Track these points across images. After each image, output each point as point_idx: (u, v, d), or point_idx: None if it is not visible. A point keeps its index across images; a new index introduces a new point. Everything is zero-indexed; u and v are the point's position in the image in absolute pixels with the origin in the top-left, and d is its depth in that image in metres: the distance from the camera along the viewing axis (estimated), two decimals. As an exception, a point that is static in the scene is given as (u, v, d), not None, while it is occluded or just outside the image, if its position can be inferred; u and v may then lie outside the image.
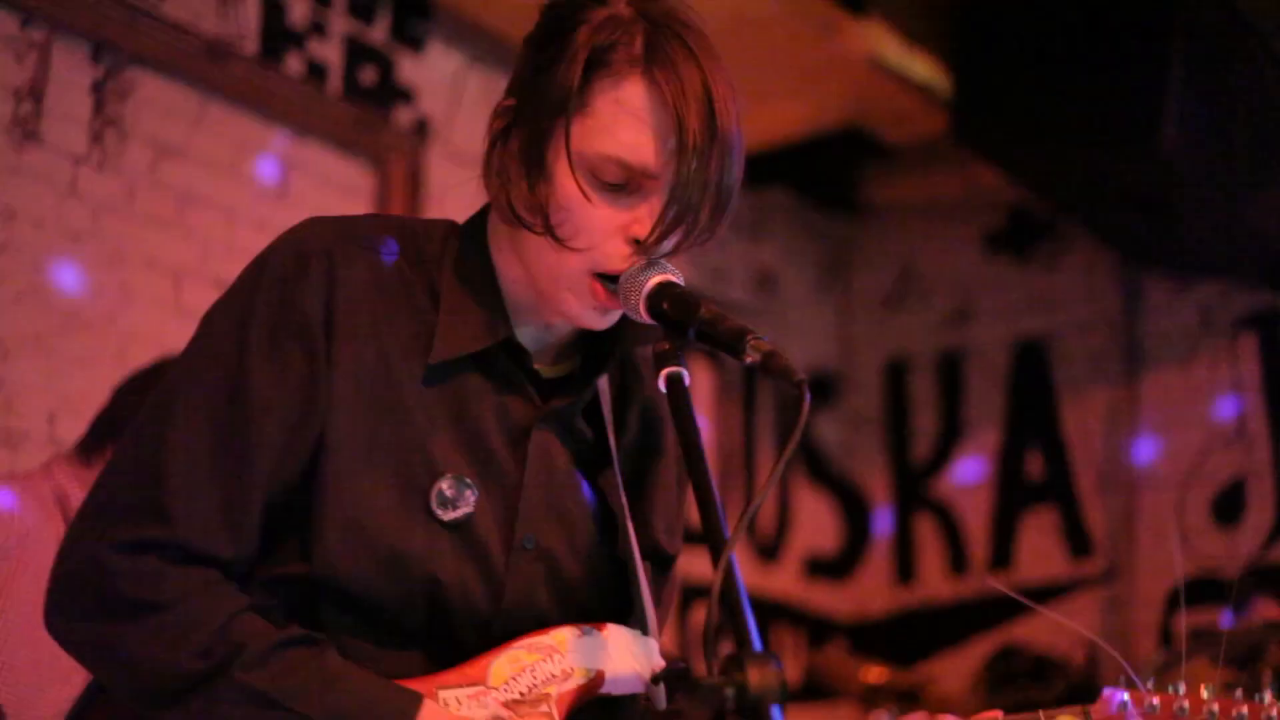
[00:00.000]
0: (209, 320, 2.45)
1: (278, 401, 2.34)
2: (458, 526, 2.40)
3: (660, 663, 2.48)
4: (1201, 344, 6.91)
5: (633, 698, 2.49)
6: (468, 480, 2.41)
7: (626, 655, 2.45)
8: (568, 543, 2.50)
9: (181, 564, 2.30)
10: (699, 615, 6.56)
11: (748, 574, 6.86)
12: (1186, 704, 2.62)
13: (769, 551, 7.22)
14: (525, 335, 2.52)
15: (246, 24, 5.15)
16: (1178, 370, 6.93)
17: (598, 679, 2.43)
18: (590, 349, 2.59)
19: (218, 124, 5.07)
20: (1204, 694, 2.64)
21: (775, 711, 1.74)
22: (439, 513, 2.38)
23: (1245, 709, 2.65)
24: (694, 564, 6.58)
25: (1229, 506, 6.64)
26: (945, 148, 6.93)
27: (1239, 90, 5.94)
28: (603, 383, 2.60)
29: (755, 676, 1.74)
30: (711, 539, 2.00)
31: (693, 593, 6.62)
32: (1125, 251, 7.00)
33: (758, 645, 1.82)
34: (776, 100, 6.56)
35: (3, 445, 4.38)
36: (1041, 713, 2.56)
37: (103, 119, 4.74)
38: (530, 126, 2.38)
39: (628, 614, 2.56)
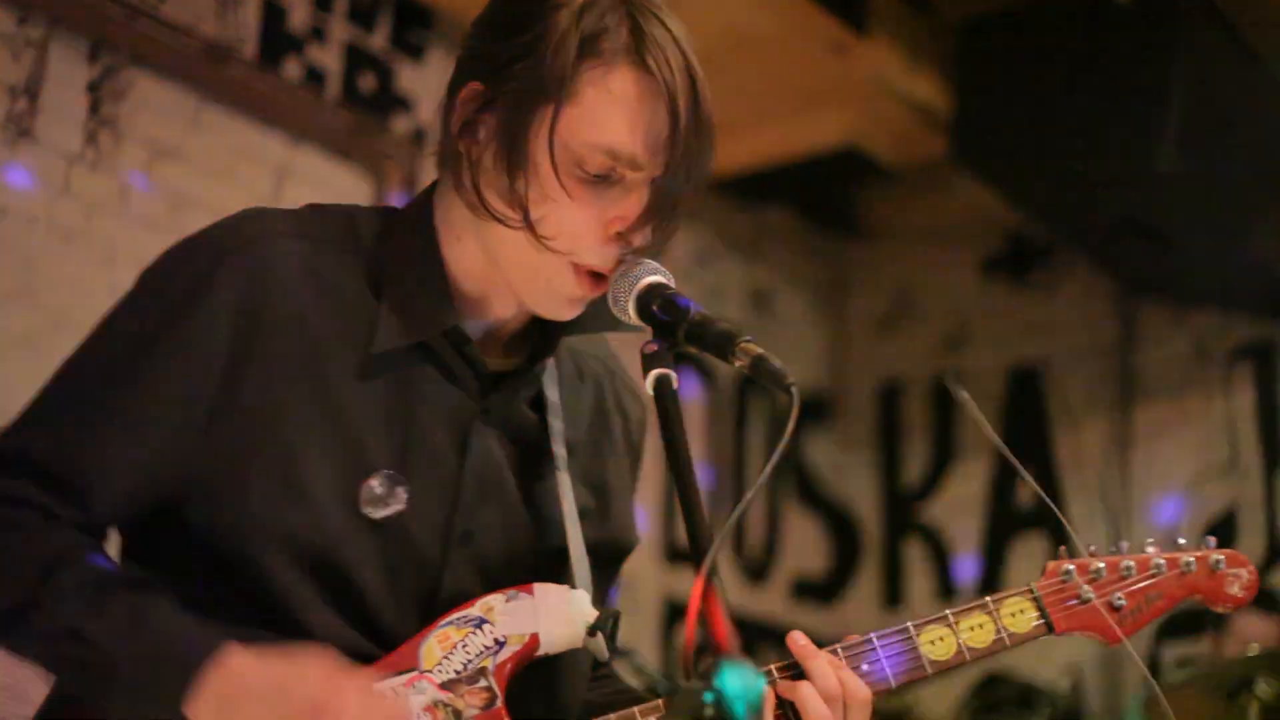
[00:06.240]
0: (128, 297, 2.41)
1: (172, 396, 2.30)
2: (388, 525, 2.35)
3: (593, 614, 2.43)
4: (1196, 374, 6.90)
5: (573, 653, 2.45)
6: (399, 477, 2.36)
7: (558, 613, 2.40)
8: (506, 537, 2.46)
9: (43, 516, 2.29)
10: (682, 629, 6.54)
11: (735, 594, 6.84)
12: (1132, 562, 2.62)
13: (757, 572, 7.19)
14: (471, 327, 2.46)
15: (246, 27, 5.13)
16: (1172, 400, 6.92)
17: (532, 643, 2.39)
18: (539, 342, 2.55)
19: (214, 127, 5.05)
20: (1148, 549, 2.65)
21: (753, 720, 1.72)
22: (367, 511, 2.34)
23: (1193, 556, 2.69)
24: (681, 580, 6.56)
25: (1221, 537, 6.60)
26: (945, 171, 6.92)
27: (1239, 116, 5.93)
28: (551, 375, 2.57)
29: (734, 684, 1.72)
30: (695, 546, 1.97)
31: (677, 611, 6.59)
32: (1122, 279, 7.00)
33: (738, 654, 1.79)
34: (777, 119, 6.55)
35: (-12, 443, 4.36)
36: (989, 598, 2.55)
37: (98, 119, 4.72)
38: (509, 115, 2.32)
39: None
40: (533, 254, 2.34)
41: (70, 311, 4.57)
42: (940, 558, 7.38)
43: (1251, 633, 4.85)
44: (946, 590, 7.30)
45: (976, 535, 7.25)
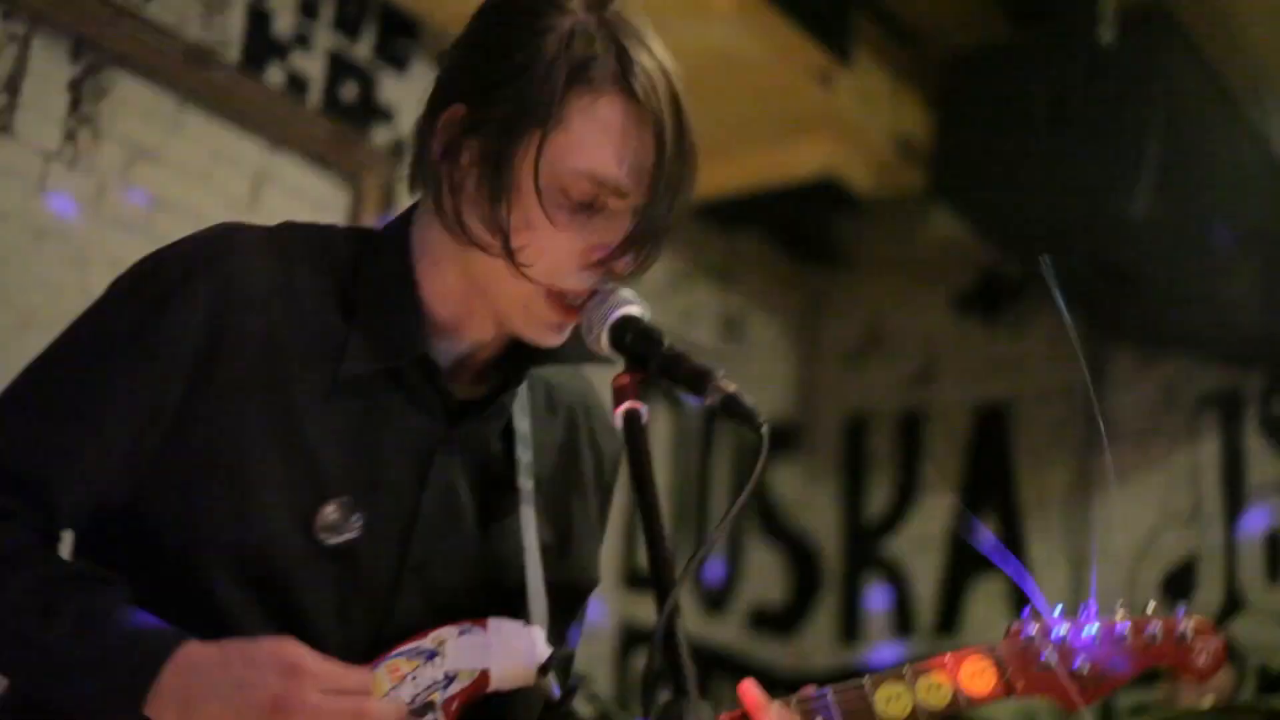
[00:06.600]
0: (95, 305, 2.40)
1: (135, 401, 2.29)
2: (341, 552, 2.32)
3: (546, 651, 2.41)
4: (1162, 421, 6.90)
5: (525, 690, 2.42)
6: (355, 504, 2.34)
7: (510, 649, 2.37)
8: (462, 570, 2.43)
9: None
10: (639, 660, 6.51)
11: (693, 623, 6.83)
12: (1097, 628, 2.60)
13: (715, 601, 7.17)
14: (443, 353, 2.45)
15: (230, 32, 5.11)
16: (1137, 445, 6.92)
17: (482, 679, 2.36)
18: (510, 371, 2.53)
19: (194, 130, 5.03)
20: (1115, 615, 2.61)
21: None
22: (321, 537, 2.31)
23: (1159, 625, 2.61)
24: (639, 605, 6.54)
25: (1179, 586, 6.63)
26: (921, 204, 6.91)
27: (1216, 162, 5.94)
28: (522, 405, 2.55)
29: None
30: (658, 582, 1.96)
31: (634, 637, 6.57)
32: (1092, 322, 7.00)
33: (695, 693, 1.78)
34: (756, 145, 6.55)
35: (-49, 438, 4.32)
36: (948, 656, 2.54)
37: (78, 117, 4.70)
38: (494, 141, 2.29)
39: None
40: (511, 281, 2.32)
41: (39, 311, 4.55)
42: (900, 593, 7.37)
43: (1207, 684, 4.85)
44: (905, 626, 7.29)
45: (937, 572, 7.25)
